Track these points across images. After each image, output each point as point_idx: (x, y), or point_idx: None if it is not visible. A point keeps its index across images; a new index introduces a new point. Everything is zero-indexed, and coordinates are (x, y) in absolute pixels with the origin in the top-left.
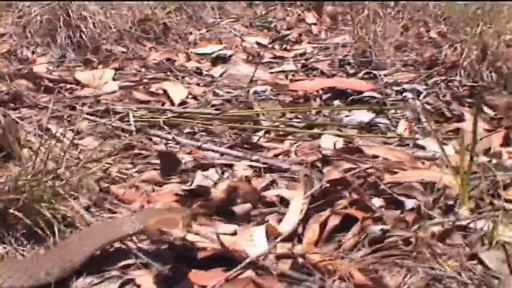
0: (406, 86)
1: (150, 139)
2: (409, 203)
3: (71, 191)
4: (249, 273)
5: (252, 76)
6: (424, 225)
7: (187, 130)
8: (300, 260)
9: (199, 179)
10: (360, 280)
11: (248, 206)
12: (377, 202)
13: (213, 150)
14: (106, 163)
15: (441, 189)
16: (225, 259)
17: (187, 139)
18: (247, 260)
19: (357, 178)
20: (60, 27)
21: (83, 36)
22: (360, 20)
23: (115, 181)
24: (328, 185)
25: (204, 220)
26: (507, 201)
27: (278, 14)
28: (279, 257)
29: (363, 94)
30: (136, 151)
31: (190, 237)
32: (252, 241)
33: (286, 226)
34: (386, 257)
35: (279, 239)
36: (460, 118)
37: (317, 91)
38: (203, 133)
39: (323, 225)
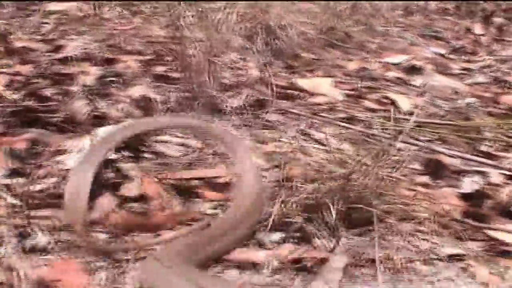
0: None
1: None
2: None
3: None
4: None
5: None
6: None
7: (422, 138)
8: None
9: (468, 183)
10: None
11: None
12: None
13: (463, 158)
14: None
15: None
16: None
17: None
18: None
19: None
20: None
21: (279, 43)
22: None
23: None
24: None
25: None
26: None
27: (441, 23)
28: None
29: None
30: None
31: None
32: None
33: None
34: None
35: None
36: None
37: None
38: (439, 142)
39: None
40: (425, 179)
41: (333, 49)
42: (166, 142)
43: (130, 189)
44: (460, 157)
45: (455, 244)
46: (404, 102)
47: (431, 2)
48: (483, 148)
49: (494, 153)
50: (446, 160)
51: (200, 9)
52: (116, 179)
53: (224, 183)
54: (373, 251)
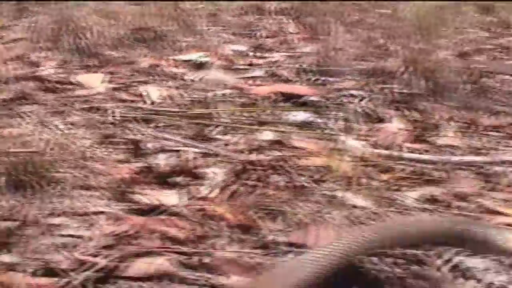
0: (349, 91)
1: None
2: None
3: None
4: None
5: (212, 81)
6: None
7: (160, 124)
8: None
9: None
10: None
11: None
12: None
13: (171, 139)
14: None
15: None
16: None
17: (156, 131)
18: None
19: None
20: (64, 34)
21: (85, 42)
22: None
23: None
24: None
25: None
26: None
27: (265, 22)
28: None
29: (308, 98)
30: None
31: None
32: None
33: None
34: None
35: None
36: (388, 120)
37: (270, 95)
38: (172, 127)
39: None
40: (122, 156)
41: (142, 48)
42: None
43: None
44: (170, 139)
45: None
46: (155, 94)
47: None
48: (212, 132)
49: (217, 136)
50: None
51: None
52: None
53: None
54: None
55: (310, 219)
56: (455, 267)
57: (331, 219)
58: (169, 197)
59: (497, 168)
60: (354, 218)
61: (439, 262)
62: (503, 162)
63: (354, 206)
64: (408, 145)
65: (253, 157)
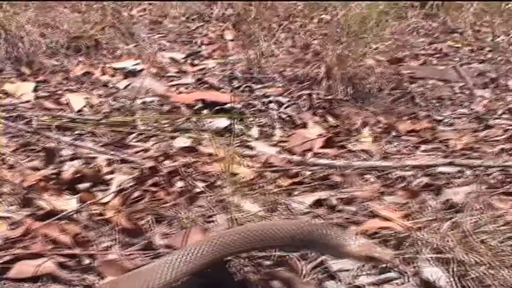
0: (272, 98)
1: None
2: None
3: None
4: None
5: (136, 88)
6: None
7: (77, 132)
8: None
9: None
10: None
11: (88, 184)
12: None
13: (85, 147)
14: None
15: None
16: None
17: (72, 139)
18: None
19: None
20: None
21: (20, 51)
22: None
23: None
24: (147, 171)
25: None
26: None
27: (206, 29)
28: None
29: (228, 105)
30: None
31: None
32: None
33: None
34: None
35: (89, 202)
36: (305, 125)
37: (193, 102)
38: (88, 135)
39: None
40: (36, 163)
41: (78, 56)
42: None
43: None
44: (86, 147)
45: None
46: (78, 103)
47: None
48: (129, 139)
49: (133, 143)
50: (68, 148)
51: None
52: None
53: None
54: None
55: (194, 222)
56: (316, 268)
57: (214, 223)
58: (68, 203)
59: (399, 173)
60: (236, 222)
61: (303, 263)
62: (404, 167)
63: (241, 211)
64: (321, 150)
65: (160, 163)
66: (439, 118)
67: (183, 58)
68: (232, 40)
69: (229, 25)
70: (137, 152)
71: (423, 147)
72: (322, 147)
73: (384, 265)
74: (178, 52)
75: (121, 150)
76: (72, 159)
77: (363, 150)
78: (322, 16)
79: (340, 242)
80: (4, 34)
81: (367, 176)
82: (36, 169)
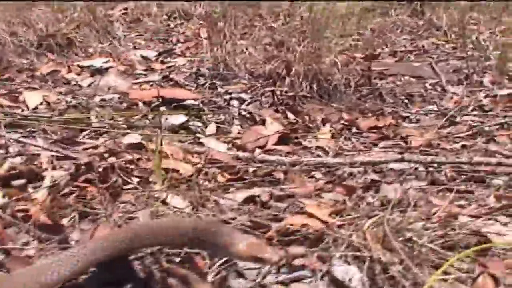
0: (234, 95)
1: None
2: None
3: None
4: None
5: (97, 85)
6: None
7: (28, 130)
8: None
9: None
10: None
11: (23, 181)
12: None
13: (33, 144)
14: None
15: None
16: None
17: (21, 136)
18: None
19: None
20: None
21: None
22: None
23: None
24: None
25: None
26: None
27: (184, 27)
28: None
29: (186, 102)
30: None
31: None
32: None
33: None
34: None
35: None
36: (264, 122)
37: (151, 99)
38: (40, 132)
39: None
40: None
41: (53, 55)
42: None
43: None
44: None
45: None
46: (34, 100)
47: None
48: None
49: (84, 140)
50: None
51: None
52: None
53: None
54: None
55: (111, 219)
56: (224, 264)
57: (136, 219)
58: None
59: (348, 169)
60: (158, 217)
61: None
62: (352, 164)
63: (168, 207)
64: (275, 147)
65: (102, 160)
66: (405, 115)
67: (155, 56)
68: (206, 38)
69: (207, 23)
70: (86, 149)
71: (382, 143)
72: (276, 144)
73: (297, 263)
74: (151, 50)
75: (69, 147)
76: (17, 156)
77: (318, 147)
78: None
79: (228, 241)
80: None
81: (315, 173)
82: None
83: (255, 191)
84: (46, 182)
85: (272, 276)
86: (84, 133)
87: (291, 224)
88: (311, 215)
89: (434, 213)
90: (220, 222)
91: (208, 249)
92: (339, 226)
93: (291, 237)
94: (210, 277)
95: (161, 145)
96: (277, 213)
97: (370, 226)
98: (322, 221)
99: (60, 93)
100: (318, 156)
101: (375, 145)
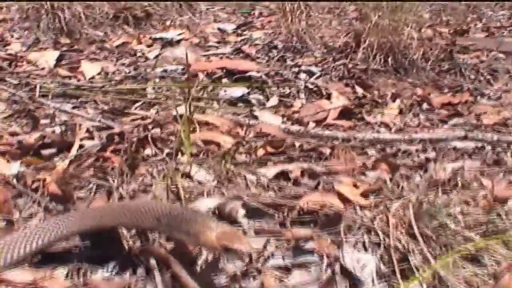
0: (303, 67)
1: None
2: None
3: None
4: None
5: (158, 56)
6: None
7: (81, 100)
8: None
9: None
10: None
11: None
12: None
13: (79, 115)
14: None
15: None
16: None
17: (70, 107)
18: None
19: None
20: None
21: (62, 22)
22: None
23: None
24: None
25: None
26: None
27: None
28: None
29: (250, 74)
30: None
31: None
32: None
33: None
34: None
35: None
36: (329, 96)
37: (214, 70)
38: (92, 102)
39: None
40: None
41: (127, 26)
42: None
43: None
44: (78, 115)
45: None
46: (91, 70)
47: None
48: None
49: (133, 111)
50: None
51: None
52: None
53: None
54: None
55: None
56: None
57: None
58: (11, 168)
59: (402, 147)
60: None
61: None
62: (410, 140)
63: (191, 180)
64: (334, 121)
65: (146, 131)
66: (485, 92)
67: (233, 29)
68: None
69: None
70: (134, 120)
71: (453, 121)
72: (337, 119)
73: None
74: (231, 23)
75: (117, 118)
76: (61, 126)
77: (382, 123)
78: None
79: (198, 229)
80: (47, 5)
81: (369, 149)
82: (14, 134)
83: (289, 166)
84: (73, 151)
85: (276, 259)
86: (137, 104)
87: (307, 203)
88: (338, 194)
89: (483, 197)
90: (196, 210)
91: (181, 237)
92: (364, 208)
93: (307, 217)
94: (202, 258)
95: (191, 114)
96: (306, 190)
97: (398, 209)
98: (345, 201)
99: (123, 64)
100: (377, 132)
101: (445, 122)
